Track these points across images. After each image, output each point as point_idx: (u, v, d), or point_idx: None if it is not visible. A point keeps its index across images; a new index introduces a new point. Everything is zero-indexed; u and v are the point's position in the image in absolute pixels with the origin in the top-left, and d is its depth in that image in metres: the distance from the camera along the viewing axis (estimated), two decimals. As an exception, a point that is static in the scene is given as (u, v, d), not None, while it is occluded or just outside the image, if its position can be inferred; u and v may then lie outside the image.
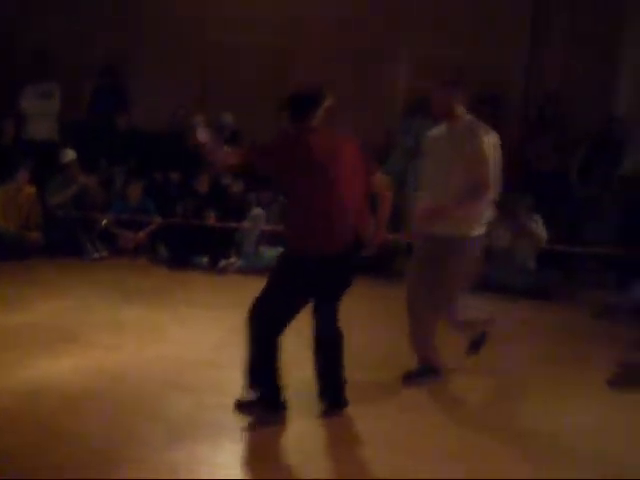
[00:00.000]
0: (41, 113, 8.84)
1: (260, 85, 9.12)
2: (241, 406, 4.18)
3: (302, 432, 4.06)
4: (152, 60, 9.45)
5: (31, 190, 8.19)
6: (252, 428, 4.08)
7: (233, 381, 4.75)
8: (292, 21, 9.28)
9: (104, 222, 8.29)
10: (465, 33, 9.03)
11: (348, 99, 9.15)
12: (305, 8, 9.21)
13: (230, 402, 4.37)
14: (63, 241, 8.05)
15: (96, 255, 8.04)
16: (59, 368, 4.78)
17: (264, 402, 4.17)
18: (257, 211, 8.18)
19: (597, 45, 8.73)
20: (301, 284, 4.09)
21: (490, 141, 4.55)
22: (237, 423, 4.11)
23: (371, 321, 6.14)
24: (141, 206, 8.43)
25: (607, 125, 8.55)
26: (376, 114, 9.10)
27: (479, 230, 4.68)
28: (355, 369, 4.43)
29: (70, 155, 8.37)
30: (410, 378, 4.83)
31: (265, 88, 8.95)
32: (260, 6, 9.34)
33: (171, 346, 5.36)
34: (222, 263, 7.90)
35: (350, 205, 4.12)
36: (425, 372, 4.86)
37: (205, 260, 8.00)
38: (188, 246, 8.02)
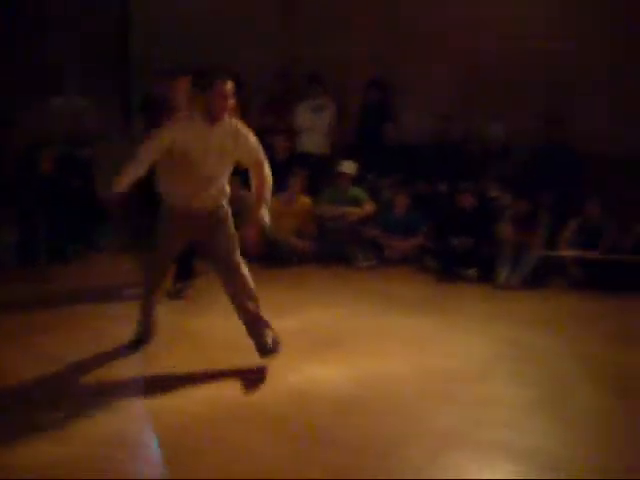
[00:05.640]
0: (313, 127, 9.09)
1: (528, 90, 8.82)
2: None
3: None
4: (416, 72, 9.37)
5: (306, 200, 8.46)
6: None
7: (502, 395, 4.53)
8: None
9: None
10: None
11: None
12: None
13: (499, 418, 4.15)
14: (333, 249, 8.26)
15: (364, 264, 8.15)
16: (327, 374, 4.84)
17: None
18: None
19: None
20: None
21: None
22: (507, 441, 3.89)
23: None
24: (407, 217, 8.41)
25: None
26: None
27: None
28: None
29: (346, 167, 8.51)
30: None
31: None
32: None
33: (438, 357, 5.26)
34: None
35: None
36: None
37: (473, 272, 7.79)
38: (456, 257, 7.86)
